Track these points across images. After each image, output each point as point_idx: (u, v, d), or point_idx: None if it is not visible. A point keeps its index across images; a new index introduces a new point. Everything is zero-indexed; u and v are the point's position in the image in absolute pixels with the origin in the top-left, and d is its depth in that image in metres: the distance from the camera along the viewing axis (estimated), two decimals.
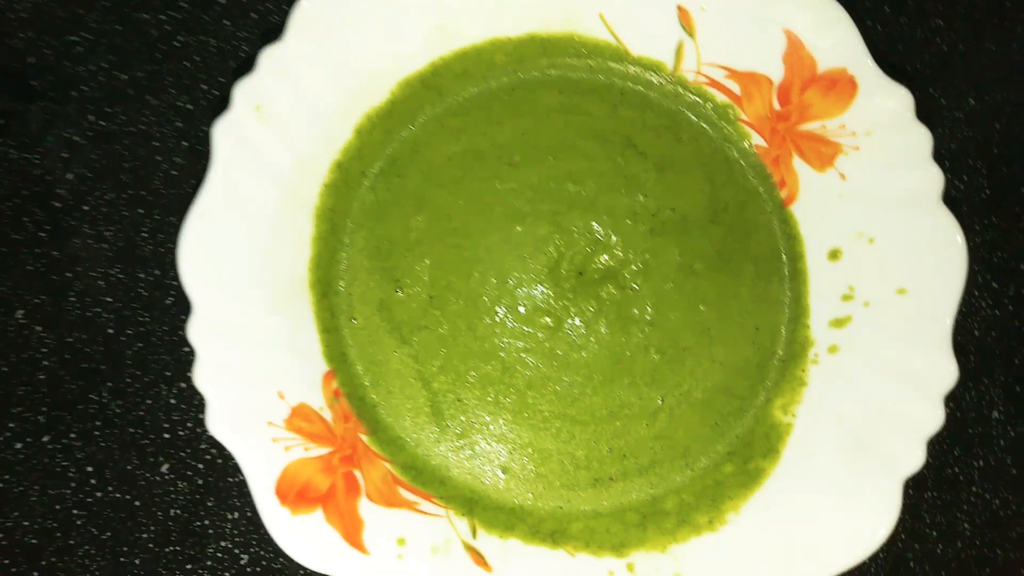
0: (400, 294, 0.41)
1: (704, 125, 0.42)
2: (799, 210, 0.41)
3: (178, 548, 0.41)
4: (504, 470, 0.40)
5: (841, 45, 0.38)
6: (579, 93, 0.42)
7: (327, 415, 0.39)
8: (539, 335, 0.41)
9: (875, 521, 0.36)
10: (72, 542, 0.41)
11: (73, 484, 0.41)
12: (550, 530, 0.39)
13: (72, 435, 0.42)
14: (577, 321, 0.41)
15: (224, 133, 0.36)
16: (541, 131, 0.42)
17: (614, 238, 0.41)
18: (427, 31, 0.40)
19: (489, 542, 0.38)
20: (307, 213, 0.40)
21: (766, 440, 0.40)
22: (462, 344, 0.41)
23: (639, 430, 0.40)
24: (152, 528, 0.41)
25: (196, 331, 0.36)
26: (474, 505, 0.39)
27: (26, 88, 0.43)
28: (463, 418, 0.40)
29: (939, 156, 0.44)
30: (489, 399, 0.40)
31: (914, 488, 0.42)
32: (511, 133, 0.42)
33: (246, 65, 0.38)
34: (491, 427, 0.40)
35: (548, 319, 0.41)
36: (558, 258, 0.41)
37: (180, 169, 0.43)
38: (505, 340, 0.41)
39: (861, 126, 0.39)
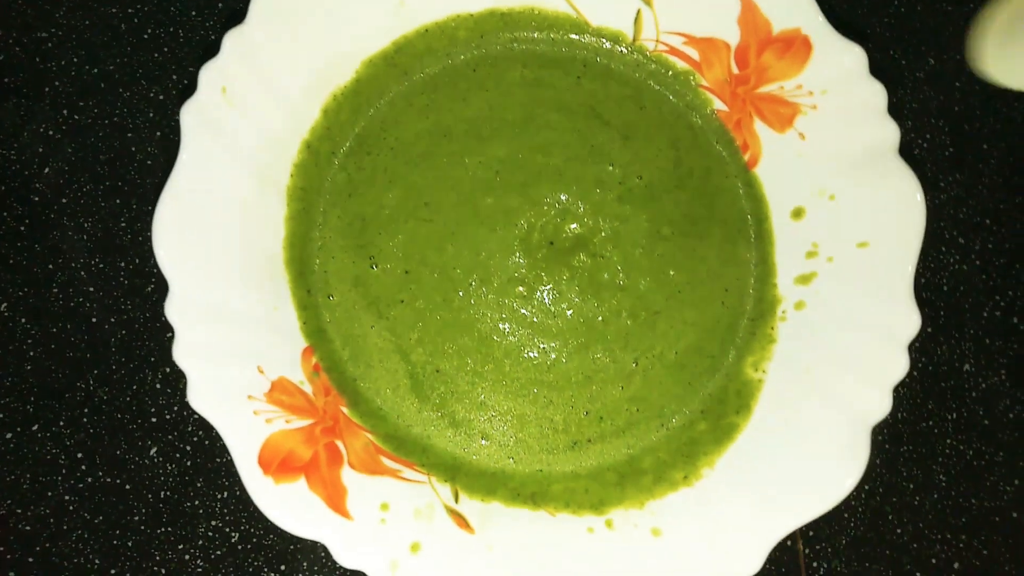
0: (375, 270, 0.42)
1: (666, 93, 0.43)
2: (762, 172, 0.42)
3: (169, 529, 0.41)
4: (484, 437, 0.41)
5: (793, 6, 0.38)
6: (542, 66, 0.43)
7: (307, 388, 0.39)
8: (513, 304, 0.41)
9: (845, 469, 0.36)
10: (65, 527, 0.41)
11: (64, 471, 0.42)
12: (531, 492, 0.40)
13: (61, 423, 0.42)
14: (550, 289, 0.41)
15: (191, 115, 0.37)
16: (507, 105, 0.42)
17: (583, 207, 0.42)
18: (388, 9, 0.41)
19: (471, 505, 0.39)
20: (279, 193, 0.41)
21: (738, 397, 0.40)
22: (438, 316, 0.41)
23: (614, 393, 0.41)
24: (143, 510, 0.41)
25: (173, 309, 0.36)
26: (456, 471, 0.40)
27: None
28: (442, 388, 0.41)
29: (901, 116, 0.45)
30: (467, 369, 0.41)
31: (890, 443, 0.43)
32: (477, 108, 0.42)
33: (213, 51, 0.38)
34: (470, 396, 0.41)
35: (522, 288, 0.41)
36: (529, 229, 0.42)
37: (154, 159, 0.44)
38: (480, 311, 0.41)
39: (817, 85, 0.39)
